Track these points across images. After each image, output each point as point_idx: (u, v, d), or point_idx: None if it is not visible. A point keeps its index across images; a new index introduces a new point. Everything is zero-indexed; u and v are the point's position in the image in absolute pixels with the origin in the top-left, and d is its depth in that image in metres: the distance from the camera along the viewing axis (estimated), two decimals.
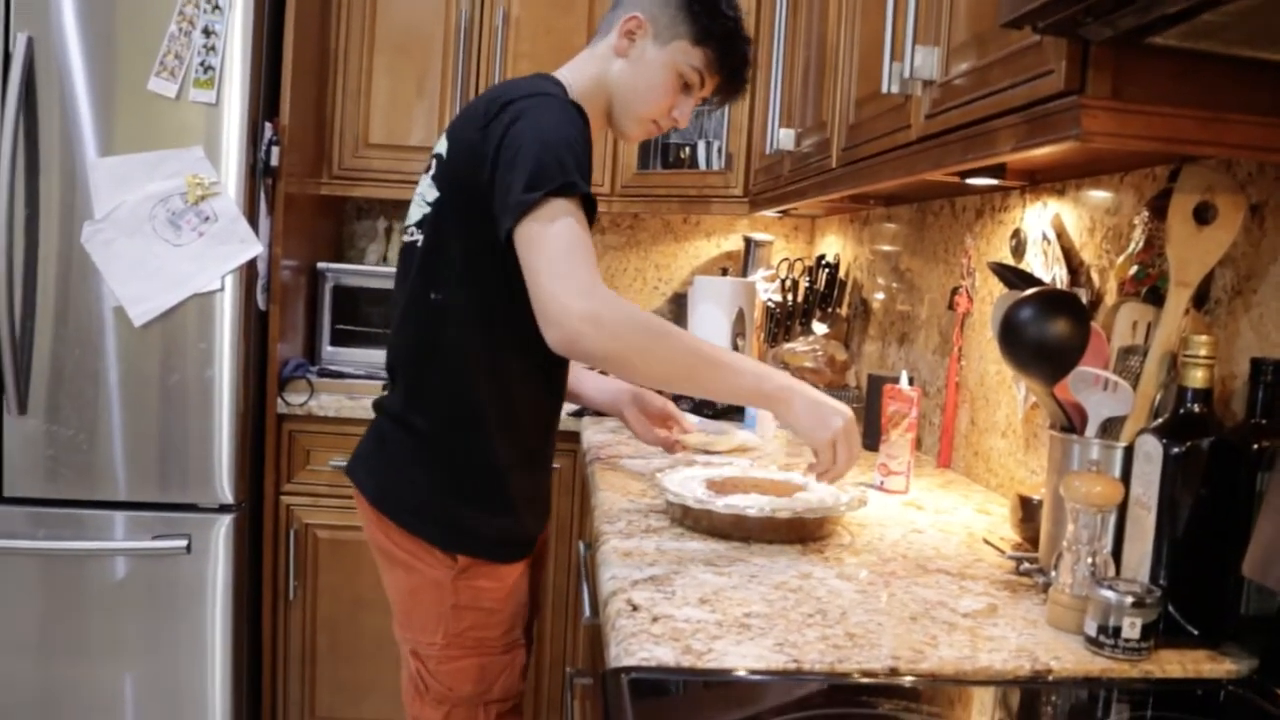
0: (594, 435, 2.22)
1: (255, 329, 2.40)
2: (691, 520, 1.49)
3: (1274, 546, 1.03)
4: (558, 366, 1.58)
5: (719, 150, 2.71)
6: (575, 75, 1.59)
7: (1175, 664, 1.09)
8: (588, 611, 1.60)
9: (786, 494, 1.54)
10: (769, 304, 2.79)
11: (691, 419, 1.82)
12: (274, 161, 2.37)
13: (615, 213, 2.95)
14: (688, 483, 1.58)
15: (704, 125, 2.75)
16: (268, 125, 2.38)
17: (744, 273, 3.05)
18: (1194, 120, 1.02)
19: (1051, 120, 1.05)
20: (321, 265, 2.75)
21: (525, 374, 1.50)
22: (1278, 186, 1.22)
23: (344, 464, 2.35)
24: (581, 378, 1.88)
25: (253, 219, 2.33)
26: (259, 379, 2.44)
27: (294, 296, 2.62)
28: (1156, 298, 1.31)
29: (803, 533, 1.46)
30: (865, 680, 1.02)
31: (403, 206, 3.05)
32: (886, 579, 1.31)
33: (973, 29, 1.25)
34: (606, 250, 3.23)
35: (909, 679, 1.03)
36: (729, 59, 1.59)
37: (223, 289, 2.29)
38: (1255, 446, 1.12)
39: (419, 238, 1.52)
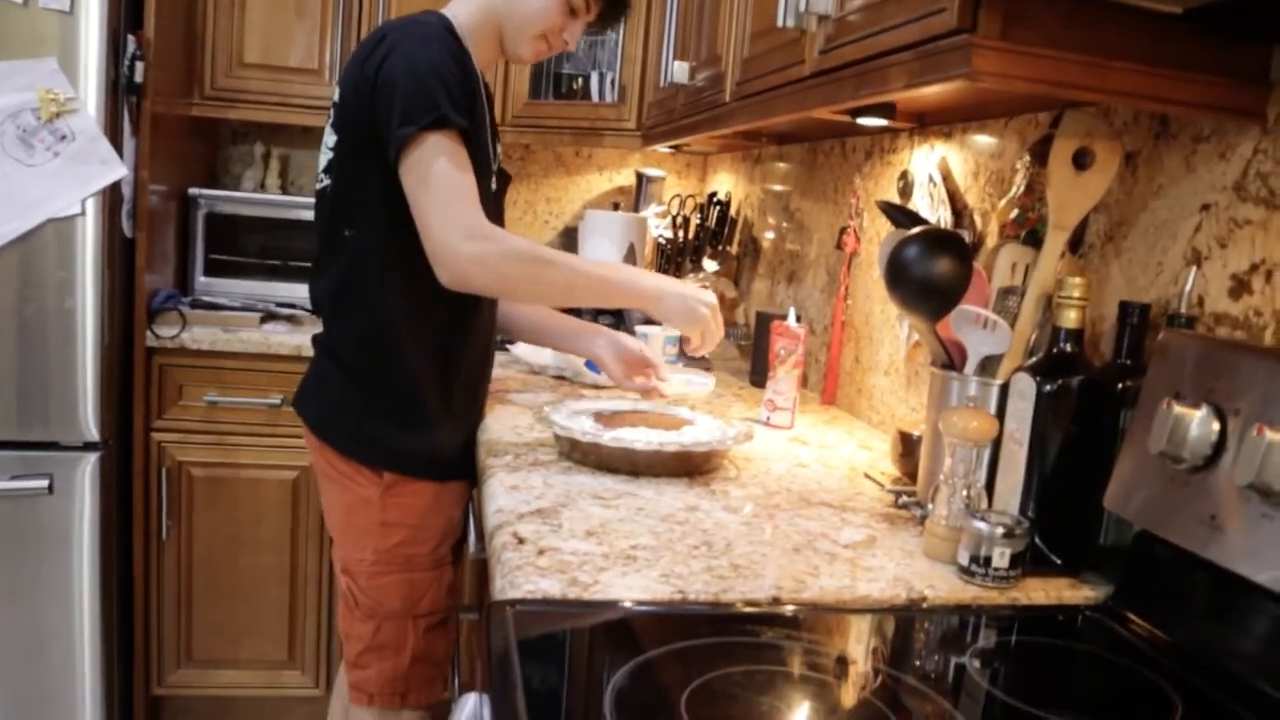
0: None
1: (121, 257, 2.27)
2: (579, 454, 1.49)
3: (1133, 480, 1.08)
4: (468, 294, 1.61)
5: (612, 82, 2.66)
6: (463, 7, 1.62)
7: (1040, 591, 1.14)
8: (473, 546, 1.59)
9: (674, 428, 1.55)
10: (660, 240, 2.78)
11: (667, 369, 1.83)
12: (138, 78, 2.22)
13: (506, 143, 2.87)
14: (575, 416, 1.57)
15: (597, 56, 2.69)
16: (131, 38, 2.22)
17: (636, 208, 3.03)
18: (1079, 65, 1.03)
19: (943, 58, 1.06)
20: (194, 191, 2.61)
21: (438, 297, 1.52)
22: (1150, 136, 1.27)
23: (218, 399, 2.32)
24: (546, 315, 1.88)
25: (115, 140, 2.18)
26: (125, 310, 2.31)
27: (164, 224, 2.48)
28: (1035, 241, 1.35)
29: (690, 466, 1.47)
30: (748, 610, 1.04)
31: (281, 131, 2.95)
32: (771, 511, 1.34)
33: None
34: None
35: (790, 608, 1.05)
36: None
37: (83, 214, 2.14)
38: (1120, 386, 1.17)
39: (328, 182, 1.59)
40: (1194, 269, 1.17)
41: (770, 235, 2.59)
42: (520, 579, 1.04)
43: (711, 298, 1.59)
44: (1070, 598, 1.14)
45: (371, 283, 1.55)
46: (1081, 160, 1.22)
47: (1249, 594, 0.94)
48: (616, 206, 3.02)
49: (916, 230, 1.25)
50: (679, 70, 2.07)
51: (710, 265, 2.69)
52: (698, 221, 2.76)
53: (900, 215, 1.39)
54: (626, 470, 1.45)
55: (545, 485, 1.37)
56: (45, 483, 2.18)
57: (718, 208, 2.74)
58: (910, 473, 1.50)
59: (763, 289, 2.63)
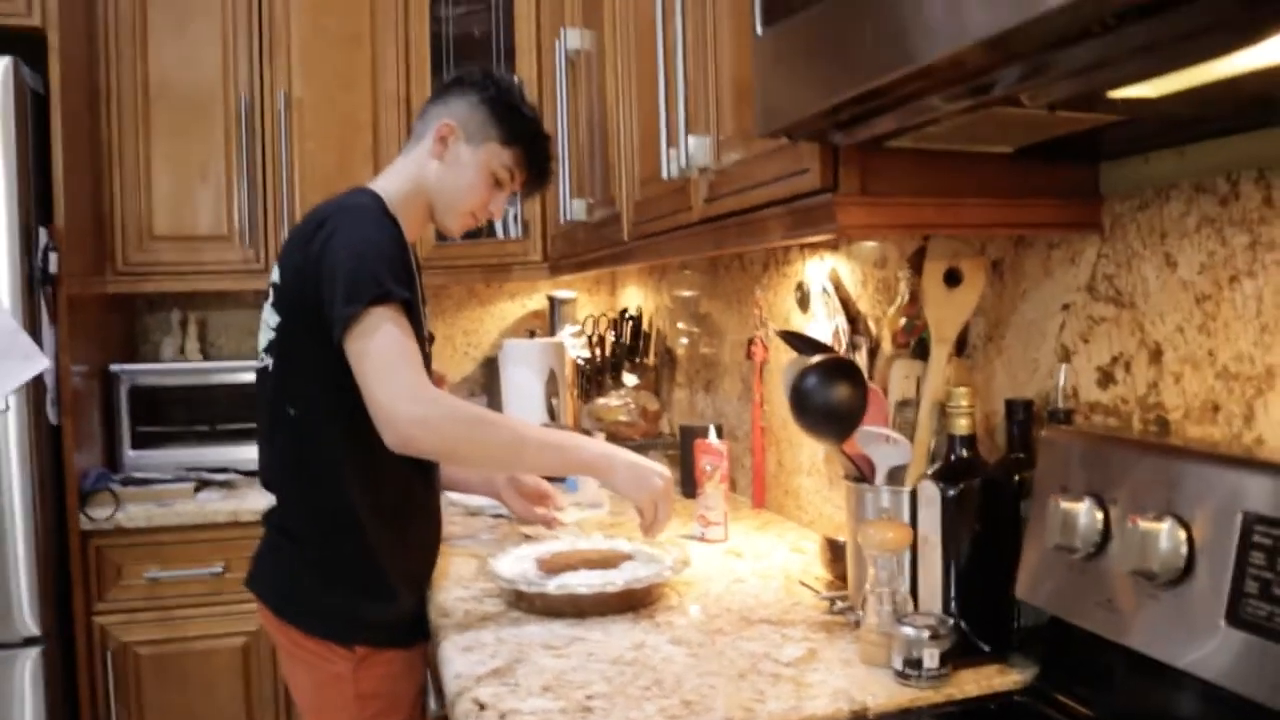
0: None
1: (48, 445, 2.28)
2: (526, 603, 1.53)
3: (1038, 571, 1.18)
4: (421, 460, 1.64)
5: (515, 218, 2.77)
6: (391, 181, 1.71)
7: (972, 683, 1.21)
8: (433, 704, 1.61)
9: (614, 564, 1.60)
10: (579, 361, 2.87)
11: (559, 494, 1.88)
12: (53, 269, 2.26)
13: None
14: (518, 564, 1.62)
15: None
16: (42, 230, 2.27)
17: (551, 331, 3.12)
18: (934, 207, 1.15)
19: (812, 214, 1.17)
20: (115, 367, 2.63)
21: (388, 467, 1.56)
22: (1011, 245, 1.39)
23: (159, 575, 2.31)
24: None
25: (34, 331, 2.21)
26: (56, 498, 2.31)
27: (87, 403, 2.50)
28: (924, 349, 1.46)
29: (634, 601, 1.52)
30: None
31: (196, 296, 2.99)
32: (714, 637, 1.40)
33: (737, 124, 1.36)
34: None
35: None
36: (535, 156, 1.75)
37: (7, 409, 2.16)
38: (1015, 478, 1.27)
39: (269, 361, 1.63)
40: (1064, 365, 1.29)
41: (684, 342, 2.70)
42: None
43: (666, 471, 1.59)
44: (1000, 684, 1.22)
45: (321, 459, 1.57)
46: (952, 278, 1.34)
47: (1156, 668, 1.03)
48: (533, 334, 3.10)
49: (814, 361, 1.35)
50: (577, 208, 2.17)
51: (630, 379, 2.78)
52: (613, 338, 2.85)
53: (800, 342, 1.49)
54: (573, 614, 1.50)
55: (497, 641, 1.41)
56: None
57: (630, 322, 2.84)
58: (841, 576, 1.57)
59: (683, 398, 2.72)
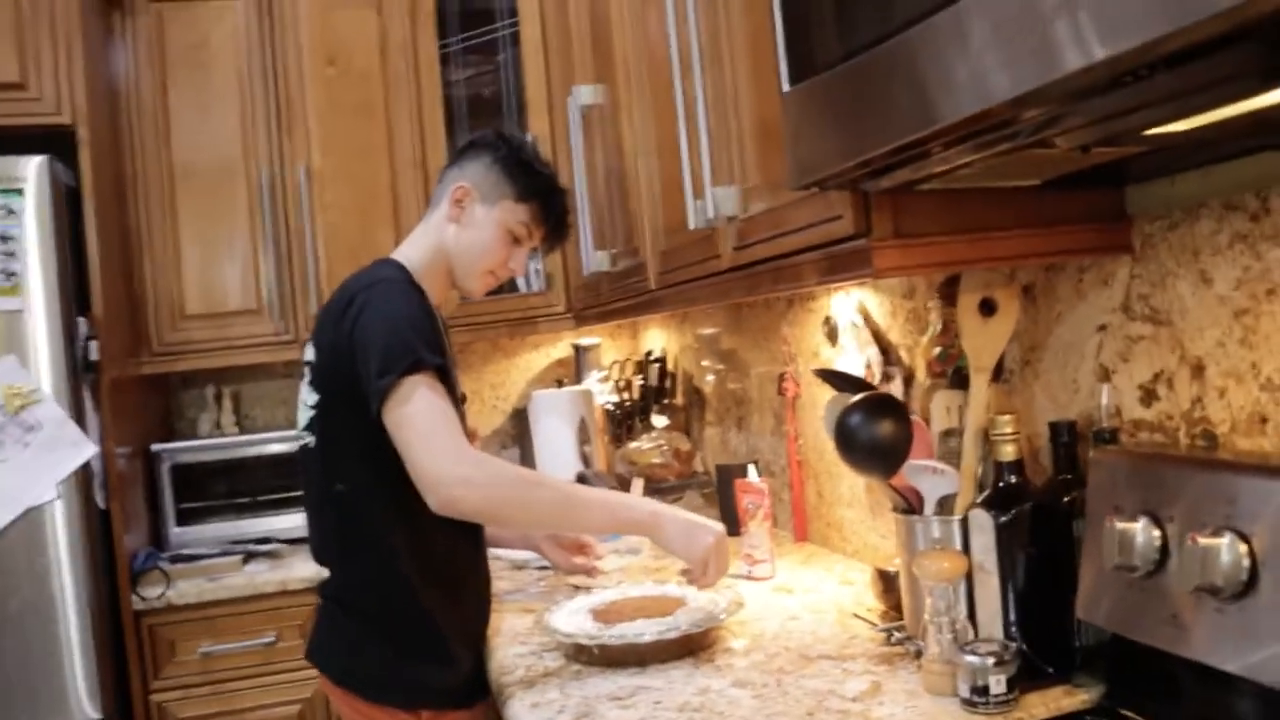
0: None
1: (98, 528, 2.31)
2: (586, 656, 1.55)
3: (1097, 591, 1.19)
4: (470, 525, 1.66)
5: (536, 271, 2.81)
6: (413, 250, 1.75)
7: (1040, 706, 1.22)
8: None
9: (669, 610, 1.62)
10: (607, 407, 2.90)
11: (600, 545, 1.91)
12: (93, 356, 2.32)
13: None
14: (573, 617, 1.64)
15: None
16: (81, 320, 2.32)
17: (577, 379, 3.15)
18: (965, 243, 1.18)
19: (847, 258, 1.20)
20: (156, 447, 2.67)
21: (437, 531, 1.58)
22: (1040, 270, 1.42)
23: (212, 649, 2.33)
24: None
25: (79, 418, 2.26)
26: (109, 581, 2.34)
27: (131, 484, 2.54)
28: (961, 378, 1.48)
29: (692, 646, 1.54)
30: None
31: (230, 372, 3.04)
32: (777, 677, 1.41)
33: (764, 174, 1.40)
34: None
35: None
36: (551, 210, 1.78)
37: (59, 497, 2.20)
38: (1065, 499, 1.29)
39: (310, 439, 1.65)
40: (1106, 385, 1.31)
41: (710, 379, 2.73)
42: None
43: (719, 528, 1.56)
44: (1068, 705, 1.23)
45: (372, 531, 1.59)
46: (986, 308, 1.37)
47: (1223, 680, 1.04)
48: (560, 383, 3.14)
49: (857, 399, 1.38)
50: (600, 259, 2.21)
51: (660, 421, 2.80)
52: (640, 381, 2.88)
53: (837, 380, 1.52)
54: (634, 663, 1.51)
55: (563, 696, 1.43)
56: None
57: (656, 364, 2.87)
58: (894, 606, 1.59)
59: (714, 436, 2.74)
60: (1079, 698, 1.24)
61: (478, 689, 1.68)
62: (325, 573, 1.70)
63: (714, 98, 1.50)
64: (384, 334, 1.51)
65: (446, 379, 1.56)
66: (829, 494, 2.10)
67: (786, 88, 1.10)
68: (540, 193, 1.75)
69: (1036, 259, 1.27)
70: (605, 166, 2.18)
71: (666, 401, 2.83)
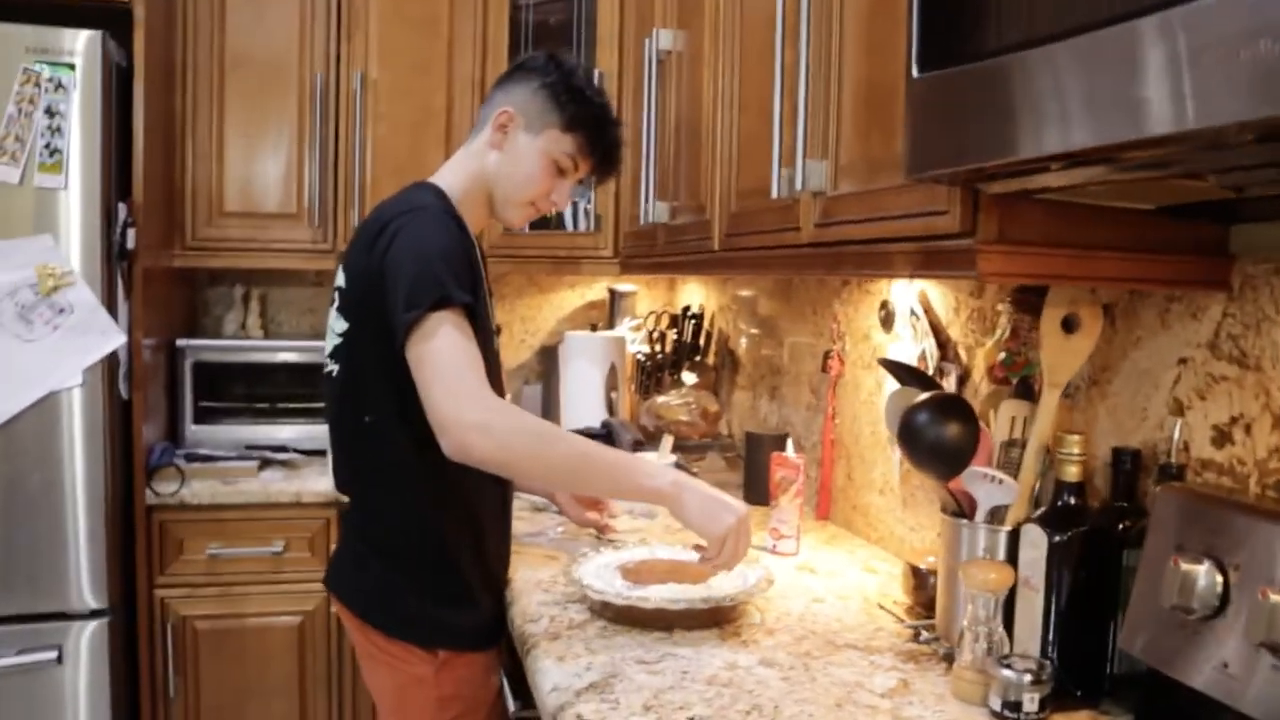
0: None
1: (118, 419, 2.30)
2: (612, 613, 1.55)
3: (1147, 627, 1.18)
4: None
5: (586, 211, 2.77)
6: (454, 176, 1.68)
7: None
8: (512, 705, 1.63)
9: (700, 576, 1.62)
10: (638, 357, 2.88)
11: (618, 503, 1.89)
12: (130, 244, 2.28)
13: None
14: (602, 573, 1.64)
15: None
16: (121, 206, 2.28)
17: (610, 323, 3.12)
18: (1067, 258, 1.15)
19: (948, 257, 1.17)
20: (181, 342, 2.65)
21: (463, 472, 1.52)
22: (1125, 292, 1.39)
23: (220, 551, 2.33)
24: None
25: (110, 305, 2.23)
26: (125, 472, 2.34)
27: (153, 377, 2.52)
28: (1026, 388, 1.46)
29: (719, 617, 1.54)
30: None
31: (259, 274, 3.00)
32: (805, 661, 1.41)
33: (861, 152, 1.36)
34: None
35: None
36: (600, 142, 1.69)
37: (84, 383, 2.18)
38: (1120, 527, 1.28)
39: (335, 367, 1.61)
40: (1179, 421, 1.29)
41: (744, 342, 2.70)
42: None
43: (744, 508, 1.50)
44: None
45: (398, 467, 1.57)
46: (1069, 324, 1.34)
47: None
48: (594, 327, 3.11)
49: (926, 396, 1.36)
50: (660, 210, 2.17)
51: (689, 378, 2.79)
52: (674, 335, 2.86)
53: (903, 372, 1.50)
54: (661, 626, 1.51)
55: (589, 653, 1.43)
56: (54, 654, 2.18)
57: (692, 321, 2.84)
58: (923, 603, 1.59)
59: (744, 400, 2.73)
60: None
61: (495, 632, 1.68)
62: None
63: (816, 68, 1.45)
64: (413, 265, 1.45)
65: (475, 317, 1.50)
66: (859, 478, 2.09)
67: (916, 73, 1.06)
68: (589, 123, 1.66)
69: (1136, 284, 1.24)
70: (677, 116, 2.13)
71: (698, 359, 2.81)
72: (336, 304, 1.62)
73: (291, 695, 2.51)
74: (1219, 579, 1.09)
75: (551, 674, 1.35)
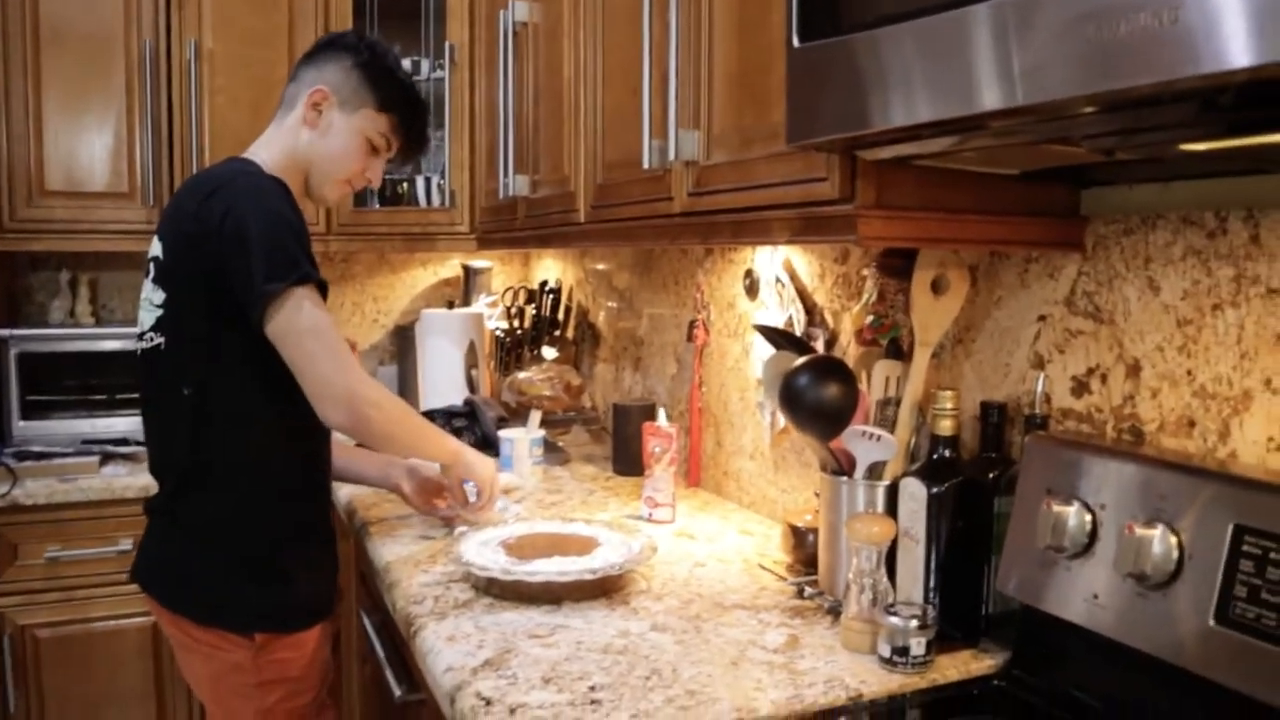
0: (350, 492, 2.17)
1: None
2: (498, 589, 1.53)
3: (1023, 567, 1.26)
4: (316, 439, 1.67)
5: (439, 186, 2.70)
6: (267, 152, 1.67)
7: (951, 668, 1.29)
8: (398, 690, 1.60)
9: (583, 549, 1.62)
10: (497, 333, 2.84)
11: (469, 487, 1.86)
12: None
13: (333, 251, 2.85)
14: (484, 550, 1.62)
15: (421, 162, 2.73)
16: None
17: (465, 301, 3.07)
18: (939, 221, 1.20)
19: (828, 222, 1.20)
20: (3, 332, 2.45)
21: (285, 450, 1.58)
22: (986, 254, 1.46)
23: (60, 554, 2.19)
24: (350, 454, 1.92)
25: None
26: None
27: None
28: (896, 348, 1.52)
29: (607, 586, 1.55)
30: None
31: (88, 257, 2.80)
32: (695, 624, 1.43)
33: (735, 121, 1.38)
34: None
35: None
36: (413, 123, 1.75)
37: None
38: (990, 476, 1.35)
39: (159, 341, 1.56)
40: (1042, 374, 1.37)
41: (603, 316, 2.71)
42: None
43: (493, 460, 1.86)
44: (977, 669, 1.30)
45: (219, 443, 1.54)
46: (937, 286, 1.40)
47: (1129, 658, 1.12)
48: (452, 304, 3.05)
49: (806, 360, 1.39)
50: (520, 183, 2.15)
51: (549, 353, 2.77)
52: (532, 311, 2.84)
53: (777, 336, 1.53)
54: (548, 600, 1.51)
55: (479, 630, 1.41)
56: None
57: (550, 295, 2.83)
58: (803, 561, 1.64)
59: (606, 373, 2.73)
60: (986, 662, 1.31)
61: (318, 609, 1.66)
62: None
63: (686, 39, 1.46)
64: (266, 236, 1.45)
65: (324, 292, 1.53)
66: (729, 444, 2.13)
67: (796, 42, 1.08)
68: (402, 104, 1.71)
69: (1003, 245, 1.31)
70: (535, 89, 2.11)
71: (558, 334, 2.79)
72: (152, 275, 1.58)
73: (148, 701, 2.38)
74: (1088, 518, 1.17)
75: (444, 655, 1.33)
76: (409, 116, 1.72)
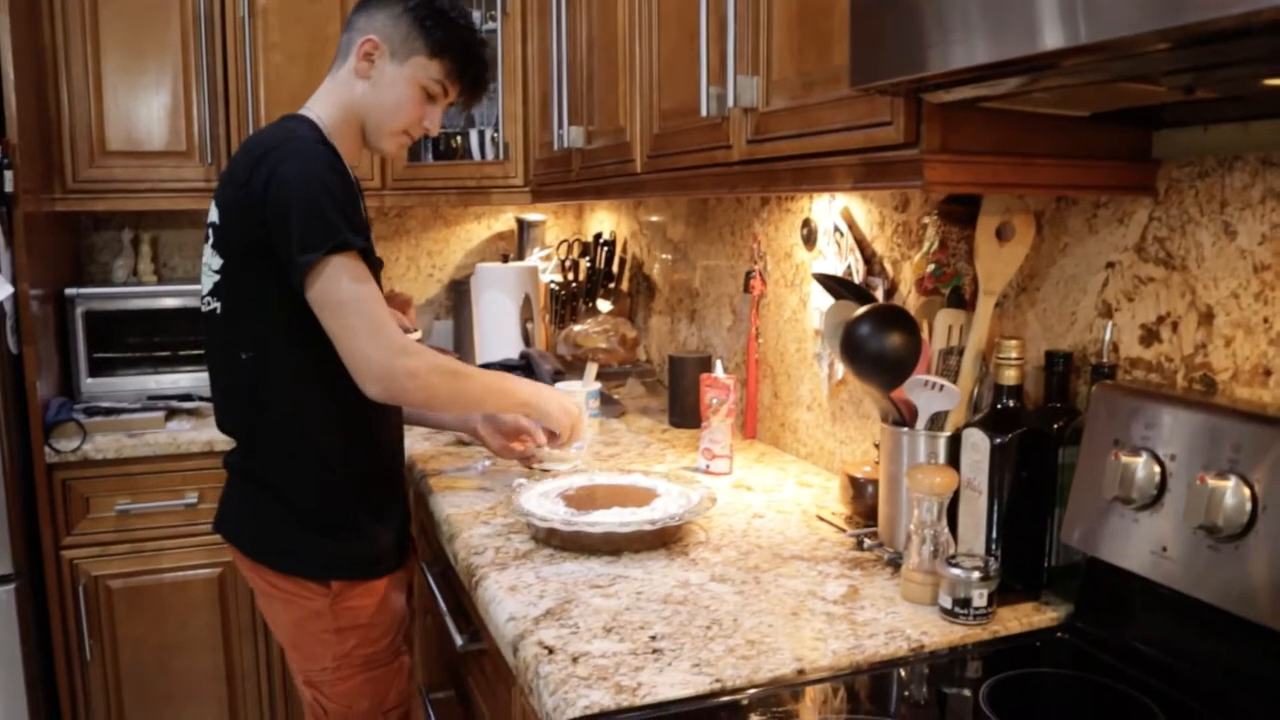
0: (409, 445, 2.19)
1: (9, 377, 2.16)
2: (559, 540, 1.54)
3: (1089, 519, 1.24)
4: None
5: (493, 140, 2.70)
6: (323, 106, 1.66)
7: (1013, 620, 1.28)
8: (459, 640, 1.62)
9: (642, 500, 1.62)
10: (551, 286, 2.84)
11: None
12: (8, 187, 2.13)
13: (387, 206, 2.87)
14: (544, 501, 1.63)
15: (474, 114, 2.72)
16: None
17: (520, 254, 3.07)
18: (1008, 165, 1.17)
19: (892, 168, 1.17)
20: (70, 291, 2.50)
21: (346, 407, 1.58)
22: (1052, 200, 1.43)
23: (130, 507, 2.25)
24: None
25: None
26: (20, 430, 2.21)
27: (43, 329, 2.37)
28: (958, 297, 1.49)
29: (666, 538, 1.55)
30: (784, 689, 1.13)
31: (148, 216, 2.84)
32: (755, 575, 1.43)
33: (795, 67, 1.35)
34: (376, 242, 3.13)
35: (821, 680, 1.15)
36: (468, 66, 1.69)
37: None
38: (1055, 427, 1.33)
39: (216, 305, 1.58)
40: (1110, 323, 1.34)
41: (658, 268, 2.70)
42: (571, 694, 1.09)
43: (578, 402, 1.82)
44: (1039, 621, 1.29)
45: (280, 403, 1.57)
46: (1003, 233, 1.37)
47: (1201, 611, 1.10)
48: (506, 258, 3.05)
49: (868, 309, 1.37)
50: (575, 135, 2.13)
51: (604, 305, 2.77)
52: (587, 264, 2.83)
53: (838, 286, 1.51)
54: (608, 551, 1.52)
55: (539, 580, 1.42)
56: None
57: (605, 248, 2.82)
58: (862, 513, 1.63)
59: (661, 325, 2.73)
60: (1048, 615, 1.30)
61: (390, 560, 1.69)
62: None
63: None
64: (304, 203, 1.44)
65: (369, 256, 1.53)
66: (786, 395, 2.12)
67: None
68: (455, 47, 1.65)
69: (1072, 190, 1.27)
70: (589, 39, 2.08)
71: (613, 286, 2.79)
72: (211, 240, 1.59)
73: (215, 648, 2.45)
74: (1156, 469, 1.14)
75: (505, 604, 1.35)
76: (463, 61, 1.66)
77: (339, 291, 1.45)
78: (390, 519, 1.71)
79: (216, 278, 1.57)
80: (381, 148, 1.71)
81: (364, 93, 1.63)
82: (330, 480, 1.60)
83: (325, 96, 1.66)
